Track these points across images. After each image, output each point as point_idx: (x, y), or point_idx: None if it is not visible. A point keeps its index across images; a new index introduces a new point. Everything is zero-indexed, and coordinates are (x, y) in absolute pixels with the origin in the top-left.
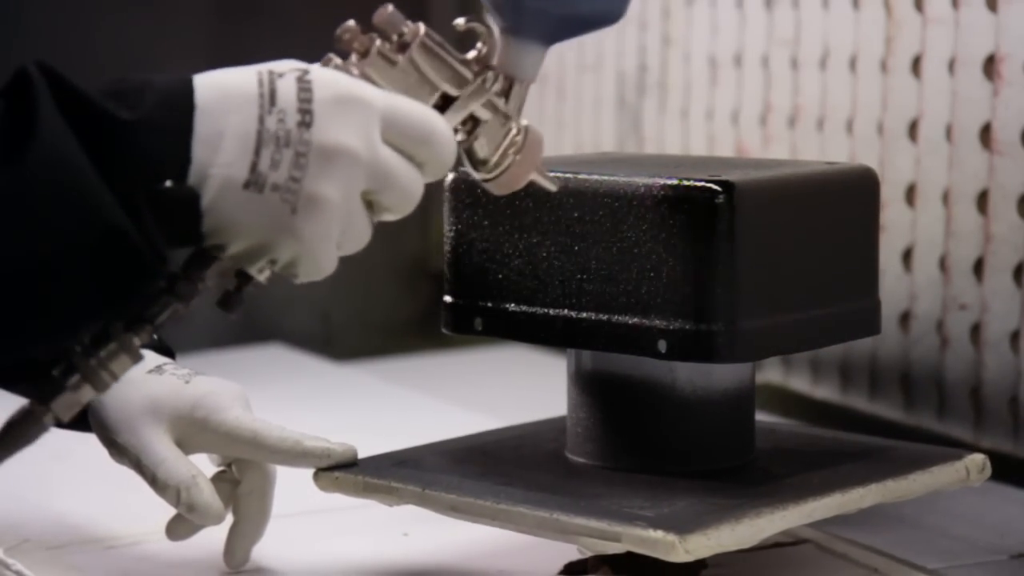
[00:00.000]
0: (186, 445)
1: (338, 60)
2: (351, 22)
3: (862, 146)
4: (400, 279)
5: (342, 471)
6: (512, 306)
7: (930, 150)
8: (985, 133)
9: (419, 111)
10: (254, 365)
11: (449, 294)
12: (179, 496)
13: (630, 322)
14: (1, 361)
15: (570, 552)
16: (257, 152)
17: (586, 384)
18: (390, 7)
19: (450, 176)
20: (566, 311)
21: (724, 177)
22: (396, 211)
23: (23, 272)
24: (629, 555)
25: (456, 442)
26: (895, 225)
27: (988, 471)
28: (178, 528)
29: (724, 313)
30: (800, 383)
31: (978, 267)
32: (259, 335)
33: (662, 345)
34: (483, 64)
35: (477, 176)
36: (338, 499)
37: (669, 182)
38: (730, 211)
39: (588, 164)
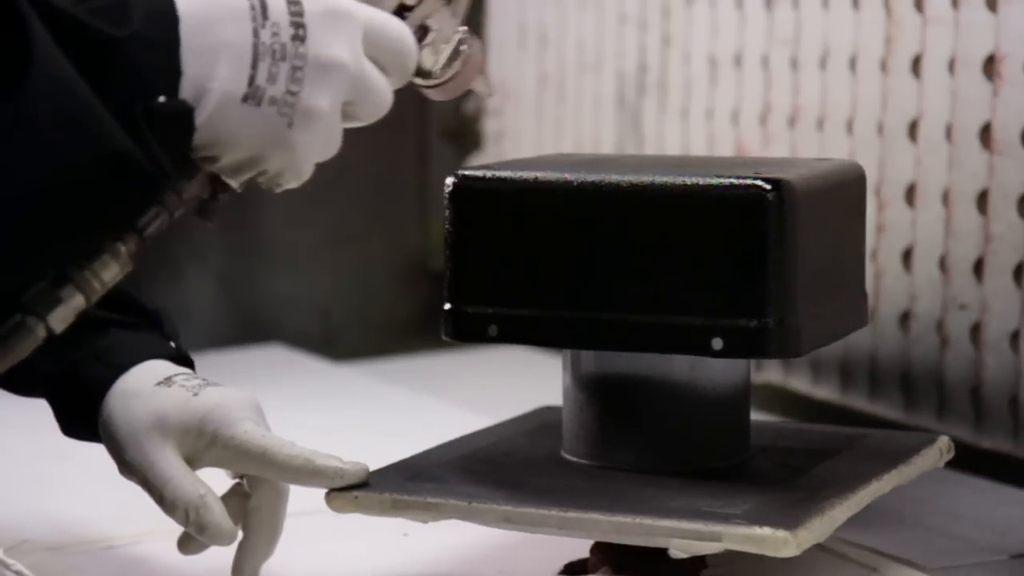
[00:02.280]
0: (196, 460)
1: None
2: None
3: (862, 146)
4: (400, 279)
5: (360, 490)
6: (539, 311)
7: (930, 150)
8: (985, 133)
9: (394, 24)
10: (254, 365)
11: (454, 301)
12: (188, 516)
13: (681, 322)
14: (7, 287)
15: (570, 552)
16: (254, 66)
17: (585, 384)
18: None
19: (450, 180)
20: (606, 313)
21: (775, 175)
22: (367, 119)
23: (32, 198)
24: (630, 555)
25: (457, 446)
26: (895, 225)
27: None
28: (190, 544)
29: (776, 309)
30: (800, 383)
31: (978, 267)
32: (259, 335)
33: (717, 343)
34: None
35: (420, 83)
36: None
37: (718, 181)
38: (780, 208)
39: (618, 165)
